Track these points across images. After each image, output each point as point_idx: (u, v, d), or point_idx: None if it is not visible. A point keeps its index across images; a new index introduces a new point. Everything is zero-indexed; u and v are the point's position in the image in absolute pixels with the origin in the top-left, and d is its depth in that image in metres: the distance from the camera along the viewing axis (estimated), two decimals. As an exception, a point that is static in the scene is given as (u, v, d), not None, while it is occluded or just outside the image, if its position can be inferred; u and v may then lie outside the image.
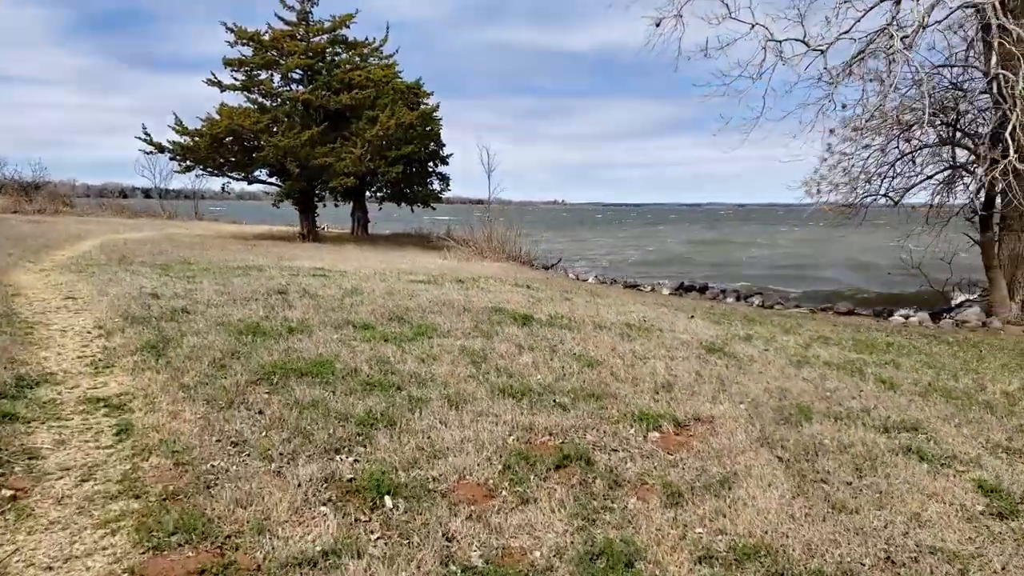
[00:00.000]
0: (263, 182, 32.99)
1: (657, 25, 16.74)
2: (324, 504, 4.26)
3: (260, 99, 31.19)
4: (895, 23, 12.37)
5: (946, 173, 18.59)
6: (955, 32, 17.13)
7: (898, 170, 18.60)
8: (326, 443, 5.09)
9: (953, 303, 19.82)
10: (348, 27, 32.32)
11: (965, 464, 5.29)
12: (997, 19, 11.51)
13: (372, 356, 7.50)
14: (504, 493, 4.48)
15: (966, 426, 6.18)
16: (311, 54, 30.98)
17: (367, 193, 36.58)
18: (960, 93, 16.41)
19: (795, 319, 13.76)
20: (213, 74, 30.12)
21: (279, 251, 23.91)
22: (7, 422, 5.36)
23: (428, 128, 33.56)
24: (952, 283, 20.75)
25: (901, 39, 11.78)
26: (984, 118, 16.39)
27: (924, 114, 14.29)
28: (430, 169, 37.25)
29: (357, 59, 32.82)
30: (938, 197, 19.65)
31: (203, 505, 4.15)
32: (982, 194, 18.70)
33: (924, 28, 12.66)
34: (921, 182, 18.48)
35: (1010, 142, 12.18)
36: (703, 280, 26.56)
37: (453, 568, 3.64)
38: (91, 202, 53.76)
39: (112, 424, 5.52)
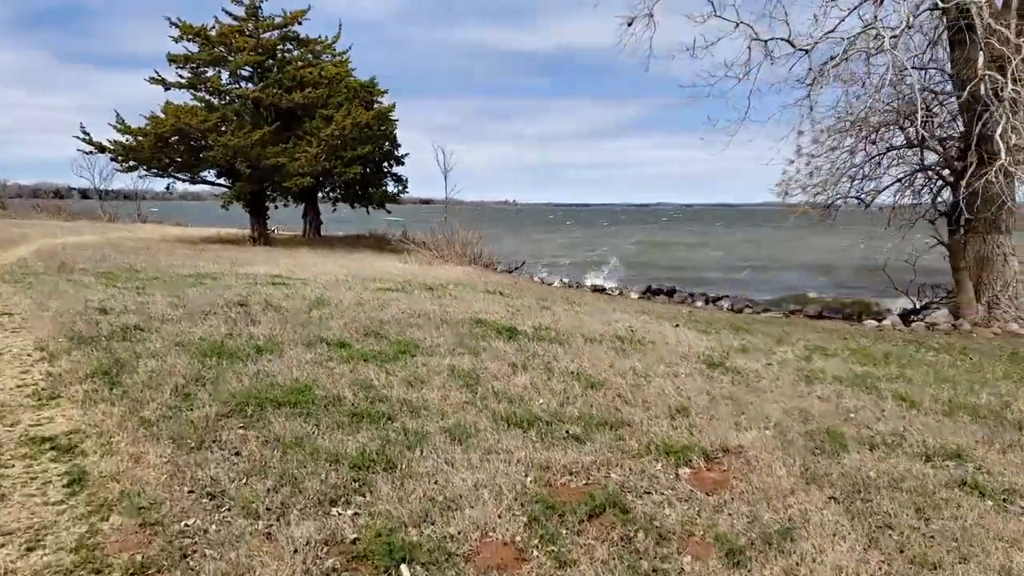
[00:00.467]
0: (211, 183, 31.84)
1: (629, 24, 16.35)
2: (329, 576, 3.58)
3: (207, 97, 30.00)
4: (879, 22, 12.06)
5: (918, 176, 18.41)
6: (923, 33, 16.98)
7: (866, 172, 18.38)
8: (319, 492, 4.39)
9: (917, 305, 19.67)
10: (300, 23, 31.33)
11: (1027, 498, 4.81)
12: (983, 20, 11.23)
13: (354, 380, 6.79)
14: (536, 554, 3.83)
15: (1010, 451, 5.71)
16: (261, 51, 29.88)
17: (319, 194, 35.54)
18: (931, 95, 16.22)
19: (778, 326, 13.37)
20: (157, 72, 28.92)
21: (230, 256, 22.89)
22: (-65, 473, 4.57)
23: (383, 128, 32.68)
24: (915, 285, 20.62)
25: (890, 39, 11.43)
26: (959, 122, 16.23)
27: (899, 116, 14.04)
28: (385, 170, 36.34)
29: (309, 56, 31.80)
30: (905, 198, 19.50)
31: (181, 583, 3.44)
32: (945, 195, 18.65)
33: (909, 28, 12.37)
34: (891, 184, 18.29)
35: (1001, 144, 11.93)
36: (666, 283, 26.22)
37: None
38: (24, 203, 51.66)
39: (62, 472, 4.74)
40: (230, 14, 30.13)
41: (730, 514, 4.32)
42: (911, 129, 16.94)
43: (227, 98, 30.16)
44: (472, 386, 6.79)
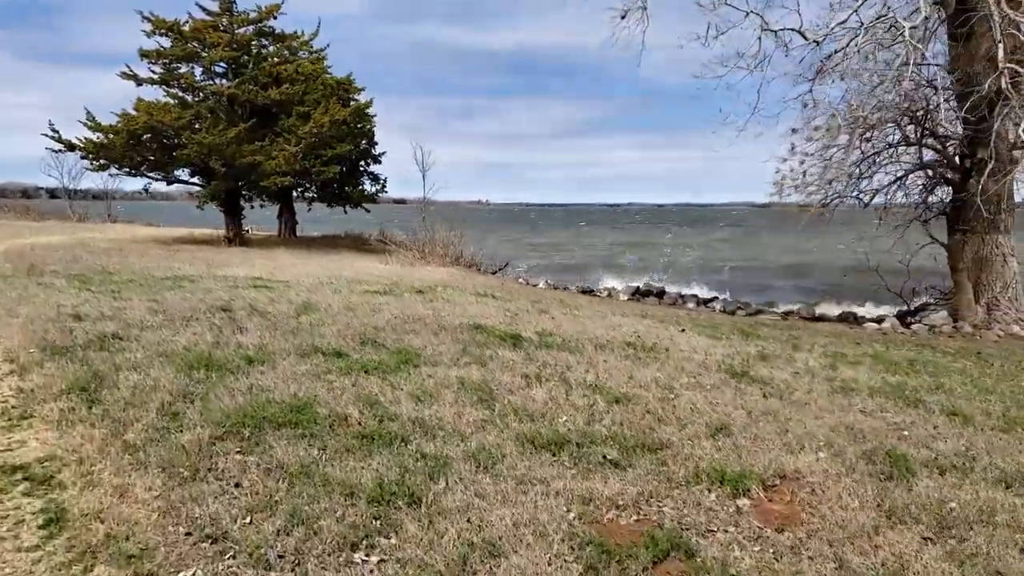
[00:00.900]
0: (184, 182, 30.83)
1: (623, 18, 15.84)
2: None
3: (181, 94, 29.05)
4: (892, 12, 11.63)
5: (914, 175, 18.05)
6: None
7: (862, 171, 18.00)
8: (337, 535, 3.82)
9: (912, 306, 19.35)
10: (275, 18, 30.42)
11: None
12: (1001, 10, 10.85)
13: (357, 395, 6.21)
14: (603, 612, 3.30)
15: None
16: (236, 46, 28.97)
17: (294, 194, 34.68)
18: (933, 91, 15.83)
19: (782, 330, 12.91)
20: (128, 67, 27.88)
21: (206, 257, 22.09)
22: None
23: (360, 125, 31.93)
24: (908, 286, 20.29)
25: (910, 29, 11.02)
26: (958, 119, 15.89)
27: (900, 112, 13.68)
28: (362, 168, 35.54)
29: (286, 52, 30.96)
30: (898, 198, 19.15)
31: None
32: (939, 194, 18.34)
33: (928, 19, 11.97)
34: (891, 183, 17.90)
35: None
36: (640, 281, 25.85)
37: None
38: (-9, 203, 50.17)
39: (37, 509, 4.13)
40: (203, 8, 29.24)
41: (811, 557, 3.80)
42: (910, 127, 16.59)
43: (201, 95, 29.23)
44: (487, 401, 6.24)
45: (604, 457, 4.96)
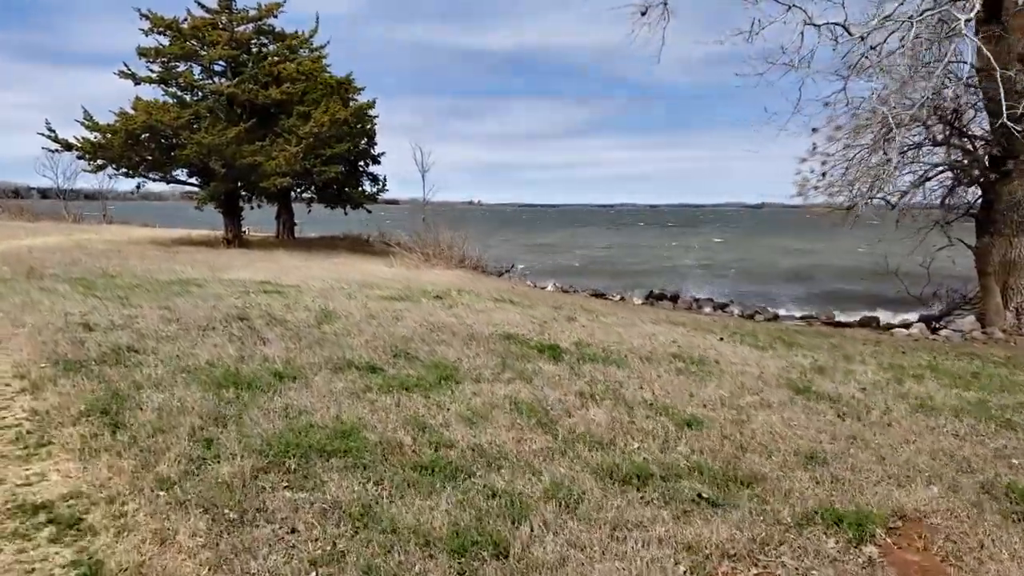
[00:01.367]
0: (182, 183, 30.20)
1: (643, 14, 15.34)
2: None
3: (179, 93, 28.44)
4: (942, 4, 11.13)
5: (940, 176, 17.59)
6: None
7: (885, 172, 17.51)
8: (423, 597, 3.29)
9: (936, 311, 18.90)
10: (275, 16, 29.83)
11: None
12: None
13: (404, 417, 5.68)
14: None
15: None
16: (235, 45, 28.36)
17: (292, 194, 34.03)
18: (964, 88, 15.35)
19: (816, 337, 12.40)
20: (126, 65, 27.26)
21: (206, 259, 21.50)
22: None
23: (359, 125, 31.31)
24: (930, 290, 19.86)
25: (965, 21, 10.53)
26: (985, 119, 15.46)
27: (930, 111, 13.22)
28: (360, 169, 34.91)
29: (286, 51, 30.33)
30: (920, 199, 18.68)
31: None
32: (958, 196, 17.93)
33: (974, 11, 11.48)
34: (920, 184, 17.41)
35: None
36: (644, 284, 25.43)
37: None
38: (-17, 203, 49.26)
39: (68, 561, 3.59)
40: (203, 6, 28.61)
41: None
42: (938, 126, 16.11)
43: (200, 94, 28.63)
44: (546, 425, 5.71)
45: (699, 496, 4.43)
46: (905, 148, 17.16)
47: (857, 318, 18.88)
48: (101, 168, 27.21)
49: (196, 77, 28.56)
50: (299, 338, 8.40)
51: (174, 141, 26.32)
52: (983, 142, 16.02)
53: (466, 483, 4.52)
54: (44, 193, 63.49)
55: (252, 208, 33.19)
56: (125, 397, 5.87)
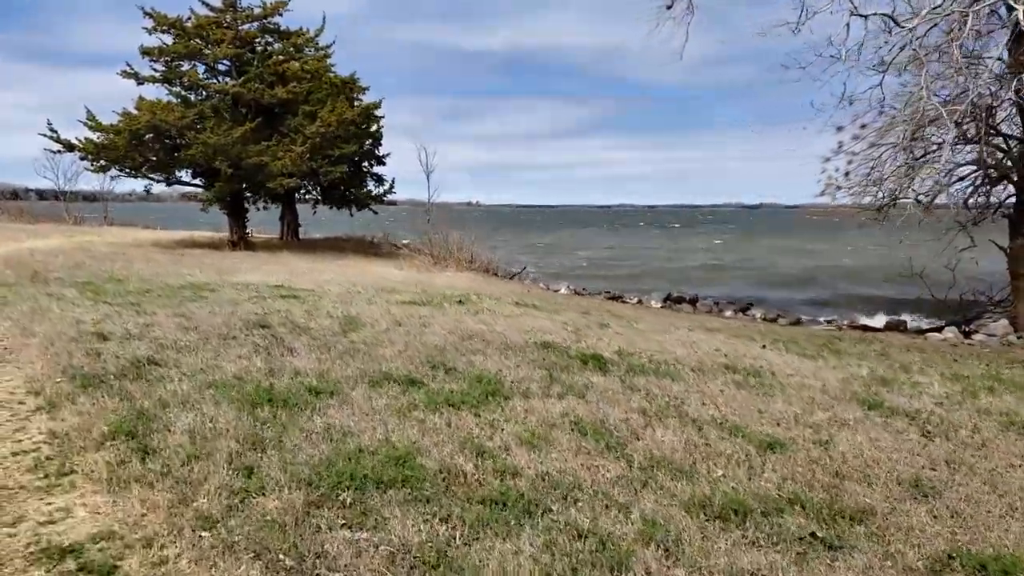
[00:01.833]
0: (187, 183, 29.65)
1: (669, 7, 14.89)
2: None
3: (184, 92, 27.95)
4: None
5: (970, 176, 17.10)
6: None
7: (912, 171, 17.03)
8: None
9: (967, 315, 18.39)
10: (280, 15, 29.34)
11: None
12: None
13: (458, 439, 5.18)
14: None
15: None
16: (240, 43, 27.86)
17: (297, 195, 33.49)
18: (999, 84, 14.85)
19: (857, 344, 11.94)
20: (129, 64, 26.77)
21: (213, 262, 20.96)
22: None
23: (364, 125, 30.79)
24: (955, 293, 19.35)
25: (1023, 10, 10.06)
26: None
27: (966, 108, 12.77)
28: (365, 169, 34.39)
29: (291, 50, 29.81)
30: (944, 199, 18.19)
31: None
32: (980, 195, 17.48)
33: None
34: (947, 183, 16.93)
35: None
36: (655, 286, 24.98)
37: None
38: (-19, 206, 48.62)
39: (106, 620, 3.08)
40: (207, 4, 28.14)
41: None
42: (970, 124, 15.63)
43: (204, 93, 28.13)
44: (614, 449, 5.20)
45: (812, 535, 3.93)
46: (933, 147, 16.72)
47: (883, 322, 18.39)
48: (104, 169, 26.75)
49: (200, 76, 28.08)
50: (327, 348, 7.91)
51: (179, 141, 25.85)
52: (1016, 140, 15.55)
53: (545, 520, 4.03)
54: (42, 195, 62.99)
55: (258, 209, 32.70)
56: (151, 417, 5.36)
